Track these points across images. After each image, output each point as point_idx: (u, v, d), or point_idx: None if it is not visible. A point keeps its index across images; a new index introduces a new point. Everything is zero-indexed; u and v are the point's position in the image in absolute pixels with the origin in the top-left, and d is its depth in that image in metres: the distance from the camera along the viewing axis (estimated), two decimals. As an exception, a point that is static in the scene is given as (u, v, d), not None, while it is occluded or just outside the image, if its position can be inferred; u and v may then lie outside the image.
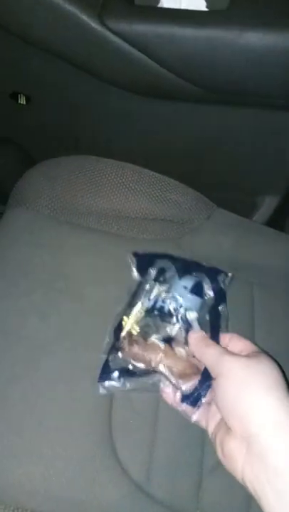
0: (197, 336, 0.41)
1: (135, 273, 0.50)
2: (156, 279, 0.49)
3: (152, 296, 0.47)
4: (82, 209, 0.57)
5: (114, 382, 0.42)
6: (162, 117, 0.70)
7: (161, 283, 0.48)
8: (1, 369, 0.44)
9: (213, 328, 0.44)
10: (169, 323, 0.45)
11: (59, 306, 0.48)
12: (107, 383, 0.42)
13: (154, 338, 0.43)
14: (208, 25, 0.53)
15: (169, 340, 0.43)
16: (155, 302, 0.47)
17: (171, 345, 0.43)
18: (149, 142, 0.75)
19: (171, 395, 0.41)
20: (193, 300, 0.47)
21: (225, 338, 0.42)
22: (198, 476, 0.42)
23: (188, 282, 0.48)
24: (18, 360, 0.45)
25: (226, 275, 0.51)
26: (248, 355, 0.37)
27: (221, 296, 0.49)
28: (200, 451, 0.43)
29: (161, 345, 0.43)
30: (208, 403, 0.39)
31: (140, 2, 0.57)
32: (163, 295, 0.47)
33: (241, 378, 0.34)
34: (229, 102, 0.64)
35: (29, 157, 0.85)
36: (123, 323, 0.45)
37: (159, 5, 0.58)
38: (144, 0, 0.57)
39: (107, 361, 0.44)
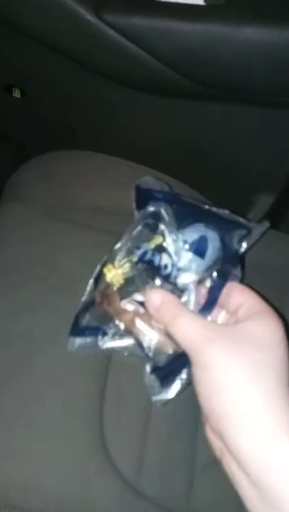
0: (160, 298, 0.32)
1: (135, 208, 0.42)
2: (148, 225, 0.39)
3: (141, 246, 0.38)
4: (77, 205, 0.57)
5: (84, 341, 0.37)
6: (159, 113, 0.69)
7: (155, 231, 0.39)
8: None
9: (210, 301, 0.35)
10: (155, 282, 0.36)
11: (53, 302, 0.48)
12: (78, 341, 0.38)
13: (131, 299, 0.36)
14: (206, 19, 0.53)
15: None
16: (144, 254, 0.37)
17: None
18: (145, 138, 0.74)
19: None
20: (193, 260, 0.37)
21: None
22: (190, 473, 0.42)
23: (189, 236, 0.38)
24: (10, 357, 0.44)
25: (249, 231, 0.40)
26: (243, 319, 0.30)
27: (232, 259, 0.38)
28: (192, 449, 0.42)
29: (139, 308, 0.35)
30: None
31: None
32: (153, 246, 0.38)
33: (222, 372, 0.27)
34: (226, 98, 0.63)
35: (24, 151, 0.84)
36: (105, 270, 0.38)
37: (157, -1, 0.57)
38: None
39: (77, 316, 0.38)
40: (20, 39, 0.62)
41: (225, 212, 0.41)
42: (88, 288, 0.39)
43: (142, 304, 0.35)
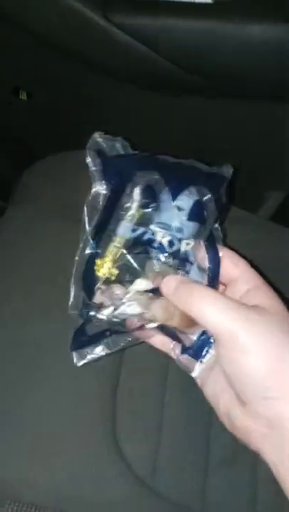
0: (175, 283, 0.31)
1: (101, 185, 0.34)
2: (138, 201, 0.34)
3: (136, 225, 0.33)
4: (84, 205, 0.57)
5: (93, 349, 0.34)
6: (168, 112, 0.69)
7: (145, 207, 0.34)
8: (4, 370, 0.44)
9: (210, 248, 0.34)
10: (161, 262, 0.33)
11: (61, 302, 0.48)
12: (85, 351, 0.34)
13: (138, 286, 0.32)
14: (213, 17, 0.53)
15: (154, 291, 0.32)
16: (142, 234, 0.33)
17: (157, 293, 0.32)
18: (154, 137, 0.74)
19: (167, 343, 0.34)
20: (193, 228, 0.34)
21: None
22: (204, 471, 0.42)
23: (185, 203, 0.34)
24: (21, 359, 0.44)
25: (228, 181, 0.38)
26: (249, 298, 0.30)
27: (220, 213, 0.36)
28: (206, 447, 0.42)
29: (147, 297, 0.32)
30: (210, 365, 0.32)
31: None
32: (150, 223, 0.33)
33: (252, 351, 0.27)
34: (234, 95, 0.63)
35: (31, 153, 0.84)
36: (96, 267, 0.34)
37: (162, -3, 0.57)
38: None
39: (82, 326, 0.34)
40: (26, 41, 0.62)
41: (203, 166, 0.39)
42: (72, 290, 0.35)
43: (152, 290, 0.32)
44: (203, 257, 0.34)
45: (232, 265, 0.33)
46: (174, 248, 0.33)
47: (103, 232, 0.34)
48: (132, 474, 0.40)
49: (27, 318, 0.47)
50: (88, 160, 0.34)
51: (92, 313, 0.33)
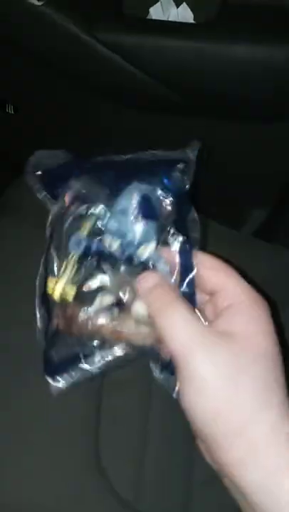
0: (155, 282, 0.27)
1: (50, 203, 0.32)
2: (78, 210, 0.31)
3: (81, 237, 0.30)
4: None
5: (68, 376, 0.31)
6: (151, 129, 0.70)
7: (86, 215, 0.31)
8: None
9: (184, 257, 0.29)
10: (116, 271, 0.30)
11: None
12: (61, 379, 0.31)
13: (97, 306, 0.29)
14: (198, 37, 0.54)
15: (119, 303, 0.29)
16: (89, 245, 0.30)
17: (123, 305, 0.29)
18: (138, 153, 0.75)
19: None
20: (143, 228, 0.30)
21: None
22: (188, 492, 0.41)
23: (128, 202, 0.30)
24: (3, 374, 0.43)
25: (185, 162, 0.33)
26: (230, 319, 0.26)
27: (182, 201, 0.31)
28: (189, 467, 0.42)
29: (114, 312, 0.29)
30: None
31: (130, 14, 0.58)
32: (96, 230, 0.30)
33: (216, 393, 0.23)
34: (217, 114, 0.64)
35: (16, 167, 0.84)
36: (49, 286, 0.31)
37: (148, 17, 0.58)
38: (133, 12, 0.58)
39: (46, 351, 0.31)
40: (14, 55, 0.62)
41: (149, 154, 0.34)
42: (38, 317, 0.32)
43: (118, 303, 0.29)
44: (170, 262, 0.29)
45: (211, 270, 0.28)
46: (127, 254, 0.30)
47: (59, 251, 0.32)
48: (114, 496, 0.39)
49: (14, 328, 0.46)
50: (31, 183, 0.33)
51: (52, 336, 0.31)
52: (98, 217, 0.31)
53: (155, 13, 0.58)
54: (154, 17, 0.58)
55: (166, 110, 0.64)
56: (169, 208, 0.31)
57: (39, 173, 0.34)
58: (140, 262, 0.29)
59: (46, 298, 0.31)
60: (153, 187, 0.31)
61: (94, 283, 0.30)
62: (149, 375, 0.41)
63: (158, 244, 0.30)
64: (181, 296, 0.27)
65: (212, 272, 0.28)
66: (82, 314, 0.29)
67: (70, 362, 0.30)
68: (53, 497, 0.39)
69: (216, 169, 0.74)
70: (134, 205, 0.30)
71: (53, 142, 0.77)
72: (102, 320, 0.29)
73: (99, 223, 0.31)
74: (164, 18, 0.57)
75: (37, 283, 0.32)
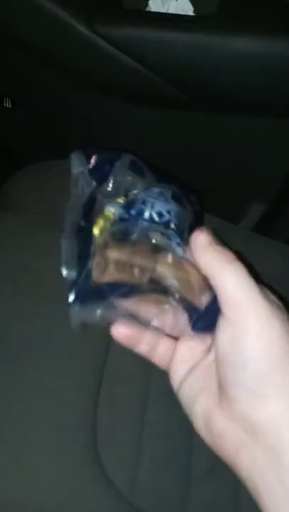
0: (208, 239, 0.28)
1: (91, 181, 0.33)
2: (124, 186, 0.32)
3: (123, 202, 0.32)
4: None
5: (94, 309, 0.29)
6: (151, 124, 0.69)
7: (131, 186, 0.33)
8: None
9: None
10: (154, 231, 0.31)
11: (44, 312, 0.47)
12: (84, 311, 0.30)
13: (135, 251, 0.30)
14: (197, 30, 0.53)
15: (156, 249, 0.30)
16: (129, 207, 0.31)
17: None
18: (138, 148, 0.74)
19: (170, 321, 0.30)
20: (176, 207, 0.33)
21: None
22: (185, 485, 0.41)
23: (165, 194, 0.33)
24: (0, 369, 0.43)
25: (198, 195, 0.37)
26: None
27: (198, 217, 0.35)
28: (187, 460, 0.42)
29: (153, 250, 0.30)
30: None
31: (129, 6, 0.57)
32: (138, 197, 0.32)
33: (258, 329, 0.25)
34: (216, 108, 0.64)
35: (14, 162, 0.84)
36: (98, 222, 0.31)
37: (147, 9, 0.58)
38: (132, 4, 0.57)
39: (80, 277, 0.30)
40: (12, 49, 0.62)
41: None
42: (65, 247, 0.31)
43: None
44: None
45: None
46: (163, 219, 0.31)
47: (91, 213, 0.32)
48: (112, 489, 0.39)
49: (7, 325, 0.46)
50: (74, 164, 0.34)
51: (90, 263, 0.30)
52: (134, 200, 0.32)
53: (154, 5, 0.57)
54: (153, 9, 0.57)
55: (165, 104, 0.64)
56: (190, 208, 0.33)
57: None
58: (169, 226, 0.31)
59: (85, 234, 0.31)
60: (181, 194, 0.34)
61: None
62: (150, 368, 0.42)
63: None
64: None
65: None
66: (121, 255, 0.30)
67: (100, 294, 0.29)
68: (47, 489, 0.39)
69: (215, 164, 0.74)
70: (168, 193, 0.33)
71: (52, 139, 0.77)
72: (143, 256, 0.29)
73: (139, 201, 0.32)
74: (164, 11, 0.57)
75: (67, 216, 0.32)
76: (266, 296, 0.26)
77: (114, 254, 0.30)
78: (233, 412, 0.26)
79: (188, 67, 0.57)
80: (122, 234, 0.31)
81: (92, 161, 0.33)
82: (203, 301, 0.29)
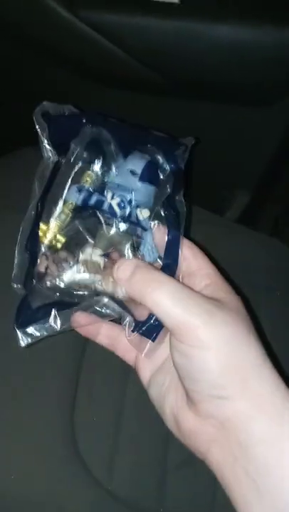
0: (131, 268, 0.28)
1: (47, 148, 0.32)
2: (85, 160, 0.32)
3: (83, 187, 0.31)
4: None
5: (39, 326, 0.29)
6: (132, 109, 0.69)
7: (95, 165, 0.32)
8: None
9: (172, 229, 0.31)
10: (112, 226, 0.31)
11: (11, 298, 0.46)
12: (30, 329, 0.29)
13: (88, 254, 0.30)
14: (180, 16, 0.53)
15: (108, 255, 0.30)
16: (88, 196, 0.31)
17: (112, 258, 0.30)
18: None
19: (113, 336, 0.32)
20: (145, 191, 0.32)
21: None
22: (162, 473, 0.41)
23: (136, 164, 0.32)
24: None
25: (185, 147, 0.35)
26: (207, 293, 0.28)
27: (178, 179, 0.32)
28: (164, 448, 0.42)
29: (101, 262, 0.30)
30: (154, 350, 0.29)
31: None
32: (98, 183, 0.31)
33: (207, 341, 0.25)
34: (199, 95, 0.63)
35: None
36: (40, 232, 0.31)
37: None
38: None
39: (25, 298, 0.30)
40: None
41: (158, 133, 0.35)
42: (16, 262, 0.31)
43: (106, 255, 0.30)
44: (161, 238, 0.31)
45: (191, 256, 0.30)
46: (125, 211, 0.31)
47: (51, 199, 0.32)
48: (89, 476, 0.39)
49: None
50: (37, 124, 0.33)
51: (35, 280, 0.30)
52: (103, 172, 0.32)
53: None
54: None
55: (146, 90, 0.63)
56: (169, 179, 0.32)
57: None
58: (134, 223, 0.31)
59: (34, 242, 0.31)
60: (157, 157, 0.32)
61: (86, 252, 0.30)
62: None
63: (153, 212, 0.31)
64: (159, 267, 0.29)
65: (191, 255, 0.30)
66: (66, 265, 0.30)
67: (45, 311, 0.30)
68: (25, 477, 0.38)
69: (198, 153, 0.74)
70: (140, 168, 0.31)
71: (28, 122, 0.75)
72: (84, 274, 0.30)
73: (106, 178, 0.31)
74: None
75: (21, 227, 0.31)
76: (208, 302, 0.26)
77: (61, 256, 0.30)
78: (200, 412, 0.27)
79: (170, 54, 0.56)
80: (70, 237, 0.31)
81: (51, 128, 0.33)
82: (144, 312, 0.29)
